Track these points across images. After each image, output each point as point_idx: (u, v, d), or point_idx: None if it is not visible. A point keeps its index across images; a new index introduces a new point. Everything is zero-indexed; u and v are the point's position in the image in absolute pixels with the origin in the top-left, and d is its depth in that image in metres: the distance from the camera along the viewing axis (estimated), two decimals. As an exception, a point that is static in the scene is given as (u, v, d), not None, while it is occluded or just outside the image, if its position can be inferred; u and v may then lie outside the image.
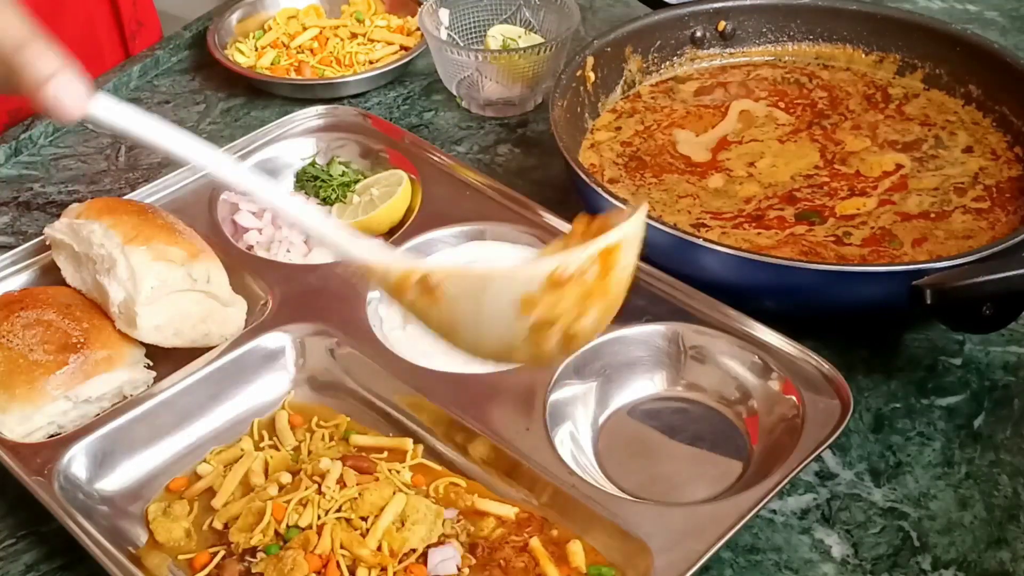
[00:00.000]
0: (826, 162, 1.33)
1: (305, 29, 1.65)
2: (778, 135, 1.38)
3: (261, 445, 1.07)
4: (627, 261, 0.81)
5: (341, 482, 0.98)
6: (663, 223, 1.15)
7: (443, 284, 0.80)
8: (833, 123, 1.40)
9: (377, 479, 0.99)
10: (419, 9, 1.54)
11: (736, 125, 1.39)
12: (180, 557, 0.97)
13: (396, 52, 1.63)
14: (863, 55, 1.48)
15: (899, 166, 1.32)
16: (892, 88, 1.44)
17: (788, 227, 1.23)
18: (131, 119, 0.89)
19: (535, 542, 0.96)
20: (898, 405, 1.11)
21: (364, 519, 0.96)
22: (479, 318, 0.81)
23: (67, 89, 0.88)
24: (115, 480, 1.04)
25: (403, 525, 0.96)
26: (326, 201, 1.33)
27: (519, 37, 1.54)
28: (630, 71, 1.46)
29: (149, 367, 1.13)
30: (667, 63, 1.48)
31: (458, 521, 0.98)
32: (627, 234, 0.80)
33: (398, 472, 1.01)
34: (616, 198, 1.17)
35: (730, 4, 1.48)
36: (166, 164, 1.46)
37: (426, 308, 0.82)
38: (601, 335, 1.09)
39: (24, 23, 0.90)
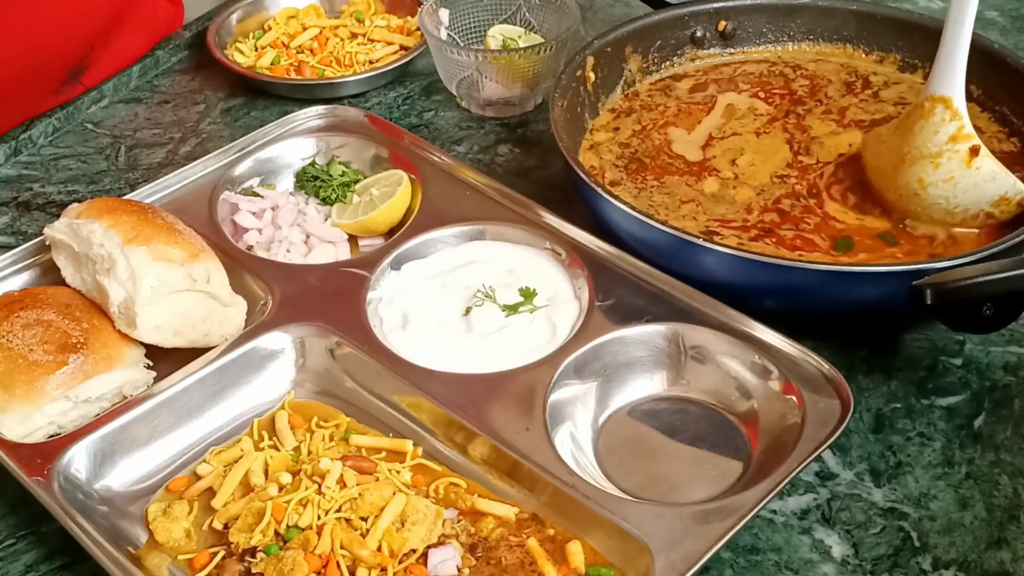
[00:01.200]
0: (793, 155, 1.34)
1: (305, 29, 1.65)
2: (756, 127, 1.39)
3: (261, 445, 1.07)
4: None
5: (341, 482, 0.98)
6: (663, 224, 1.15)
7: (984, 159, 1.17)
8: (807, 109, 1.41)
9: (377, 479, 0.99)
10: (419, 9, 1.54)
11: (720, 120, 1.40)
12: (180, 557, 0.97)
13: (396, 52, 1.63)
14: (863, 55, 1.47)
15: (851, 144, 1.34)
16: (874, 76, 1.45)
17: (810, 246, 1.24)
18: None
19: (533, 542, 0.96)
20: (898, 405, 1.11)
21: (364, 519, 0.96)
22: (973, 188, 1.18)
23: None
24: (115, 480, 1.04)
25: (403, 525, 0.96)
26: (326, 201, 1.33)
27: (519, 37, 1.54)
28: (630, 71, 1.46)
29: (149, 367, 1.13)
30: (667, 63, 1.48)
31: (458, 521, 0.98)
32: None
33: (398, 472, 1.01)
34: (616, 198, 1.17)
35: (730, 4, 1.48)
36: (166, 164, 1.46)
37: (950, 158, 1.19)
38: (601, 336, 1.10)
39: None
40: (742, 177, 1.31)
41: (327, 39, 1.64)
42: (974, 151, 1.18)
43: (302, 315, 1.15)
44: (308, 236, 1.29)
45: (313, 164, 1.38)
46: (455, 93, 1.55)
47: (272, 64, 1.59)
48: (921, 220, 1.23)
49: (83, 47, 1.55)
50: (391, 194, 1.28)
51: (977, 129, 1.32)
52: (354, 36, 1.65)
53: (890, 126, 1.27)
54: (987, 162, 1.19)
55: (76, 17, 1.53)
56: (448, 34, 1.56)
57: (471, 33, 1.58)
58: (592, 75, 1.40)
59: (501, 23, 1.57)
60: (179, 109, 1.57)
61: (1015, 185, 1.19)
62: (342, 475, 0.99)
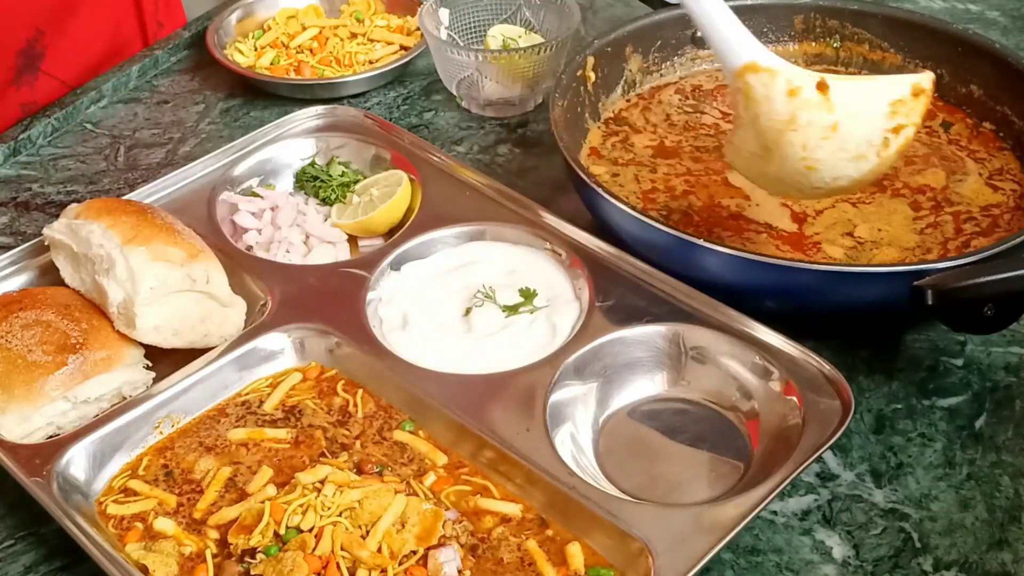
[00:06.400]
0: (913, 208, 1.26)
1: (305, 29, 1.65)
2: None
3: (260, 446, 1.06)
4: None
5: (340, 487, 0.98)
6: (663, 223, 1.14)
7: (839, 84, 1.00)
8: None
9: (382, 479, 0.99)
10: (419, 9, 1.54)
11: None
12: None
13: (396, 52, 1.63)
14: (864, 54, 1.47)
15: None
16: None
17: None
18: None
19: (533, 544, 0.96)
20: (899, 406, 1.11)
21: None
22: (856, 118, 1.02)
23: None
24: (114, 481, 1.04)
25: (403, 527, 0.95)
26: (326, 201, 1.33)
27: (519, 37, 1.54)
28: (631, 71, 1.45)
29: (148, 368, 1.13)
30: (668, 63, 1.48)
31: (459, 522, 0.98)
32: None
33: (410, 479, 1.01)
34: (616, 198, 1.16)
35: (730, 4, 1.47)
36: (166, 164, 1.46)
37: (811, 107, 1.02)
38: (601, 336, 1.10)
39: None
40: (880, 242, 1.23)
41: (327, 39, 1.64)
42: (821, 87, 1.02)
43: (302, 316, 1.15)
44: (308, 236, 1.29)
45: (313, 164, 1.38)
46: (455, 93, 1.54)
47: (272, 64, 1.59)
48: (846, 191, 1.12)
49: (28, 29, 1.54)
50: (391, 194, 1.28)
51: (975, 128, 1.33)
52: (354, 36, 1.65)
53: (731, 133, 1.15)
54: (844, 85, 1.02)
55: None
56: (448, 34, 1.56)
57: (471, 33, 1.58)
58: (592, 75, 1.40)
59: (501, 23, 1.57)
60: (178, 109, 1.57)
61: (898, 82, 1.04)
62: (342, 483, 0.98)
